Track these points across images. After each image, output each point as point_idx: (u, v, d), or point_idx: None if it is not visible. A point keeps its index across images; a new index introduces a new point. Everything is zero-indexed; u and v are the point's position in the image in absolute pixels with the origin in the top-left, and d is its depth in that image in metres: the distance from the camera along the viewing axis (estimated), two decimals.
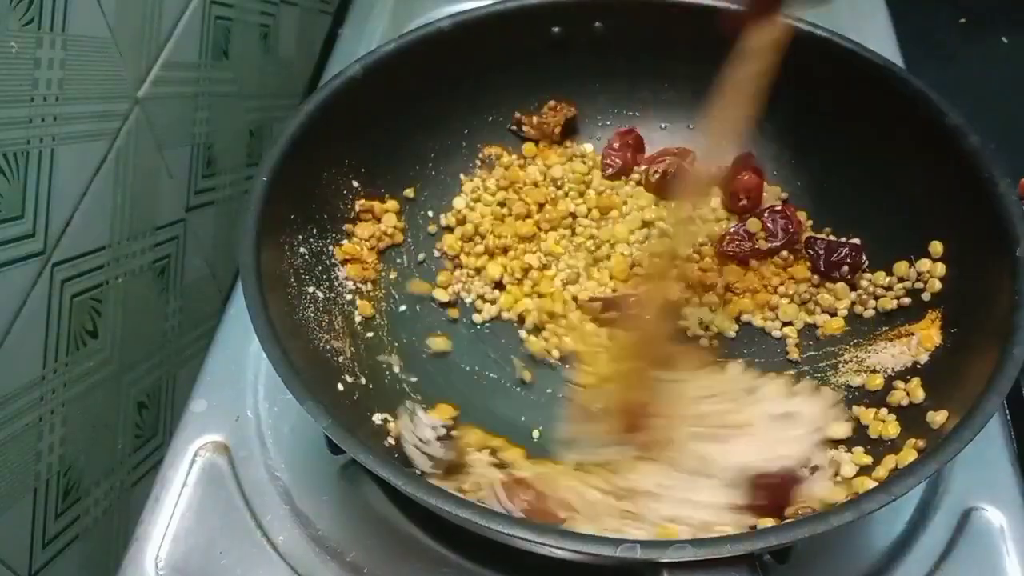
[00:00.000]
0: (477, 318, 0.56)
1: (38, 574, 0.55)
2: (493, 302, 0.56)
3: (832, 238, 0.55)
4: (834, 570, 0.45)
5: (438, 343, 0.54)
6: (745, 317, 0.54)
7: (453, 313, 0.56)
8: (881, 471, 0.42)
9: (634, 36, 0.57)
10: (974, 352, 0.43)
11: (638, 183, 0.60)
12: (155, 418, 0.69)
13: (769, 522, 0.42)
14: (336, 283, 0.52)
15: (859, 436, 0.46)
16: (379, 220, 0.56)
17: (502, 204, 0.59)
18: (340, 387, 0.46)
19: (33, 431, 0.53)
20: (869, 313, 0.52)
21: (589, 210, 0.58)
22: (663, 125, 0.61)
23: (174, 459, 0.50)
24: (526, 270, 0.56)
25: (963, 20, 0.83)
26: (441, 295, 0.56)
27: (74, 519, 0.59)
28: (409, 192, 0.58)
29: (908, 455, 0.42)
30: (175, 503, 0.48)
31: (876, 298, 0.52)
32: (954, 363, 0.44)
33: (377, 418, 0.46)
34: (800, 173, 0.57)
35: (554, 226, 0.58)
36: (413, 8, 0.77)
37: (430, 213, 0.59)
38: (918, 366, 0.47)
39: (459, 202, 0.59)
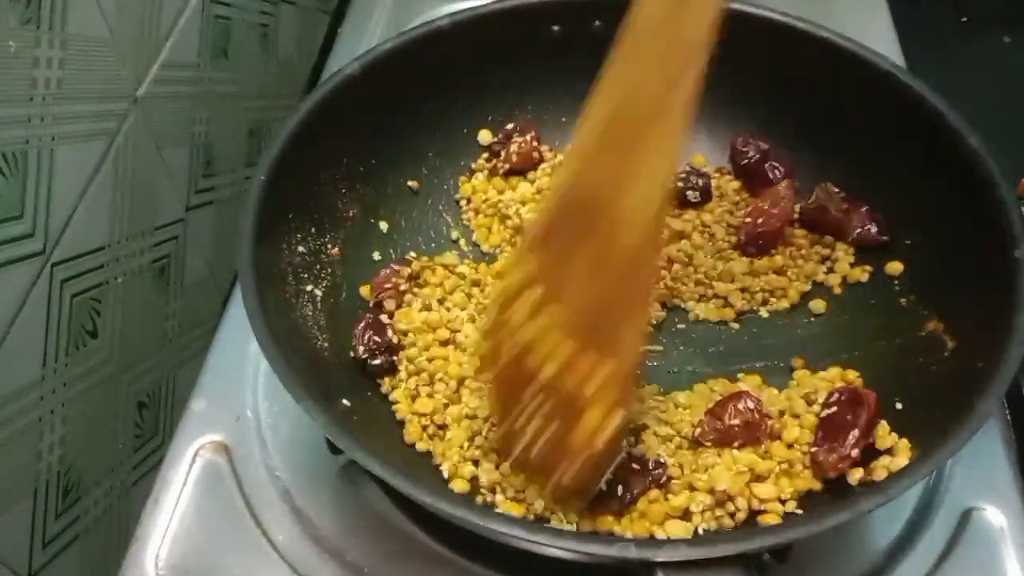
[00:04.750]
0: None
1: (38, 574, 0.55)
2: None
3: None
4: (835, 569, 0.45)
5: None
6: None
7: None
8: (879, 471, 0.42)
9: None
10: (972, 353, 0.43)
11: None
12: (155, 418, 0.69)
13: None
14: (334, 281, 0.52)
15: None
16: None
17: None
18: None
19: (33, 431, 0.53)
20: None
21: None
22: None
23: (174, 459, 0.50)
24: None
25: (964, 20, 0.83)
26: None
27: (74, 519, 0.59)
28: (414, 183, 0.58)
29: (905, 455, 0.42)
30: (175, 503, 0.48)
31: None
32: (952, 364, 0.44)
33: None
34: (797, 171, 0.57)
35: None
36: (412, 7, 0.77)
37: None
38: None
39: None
